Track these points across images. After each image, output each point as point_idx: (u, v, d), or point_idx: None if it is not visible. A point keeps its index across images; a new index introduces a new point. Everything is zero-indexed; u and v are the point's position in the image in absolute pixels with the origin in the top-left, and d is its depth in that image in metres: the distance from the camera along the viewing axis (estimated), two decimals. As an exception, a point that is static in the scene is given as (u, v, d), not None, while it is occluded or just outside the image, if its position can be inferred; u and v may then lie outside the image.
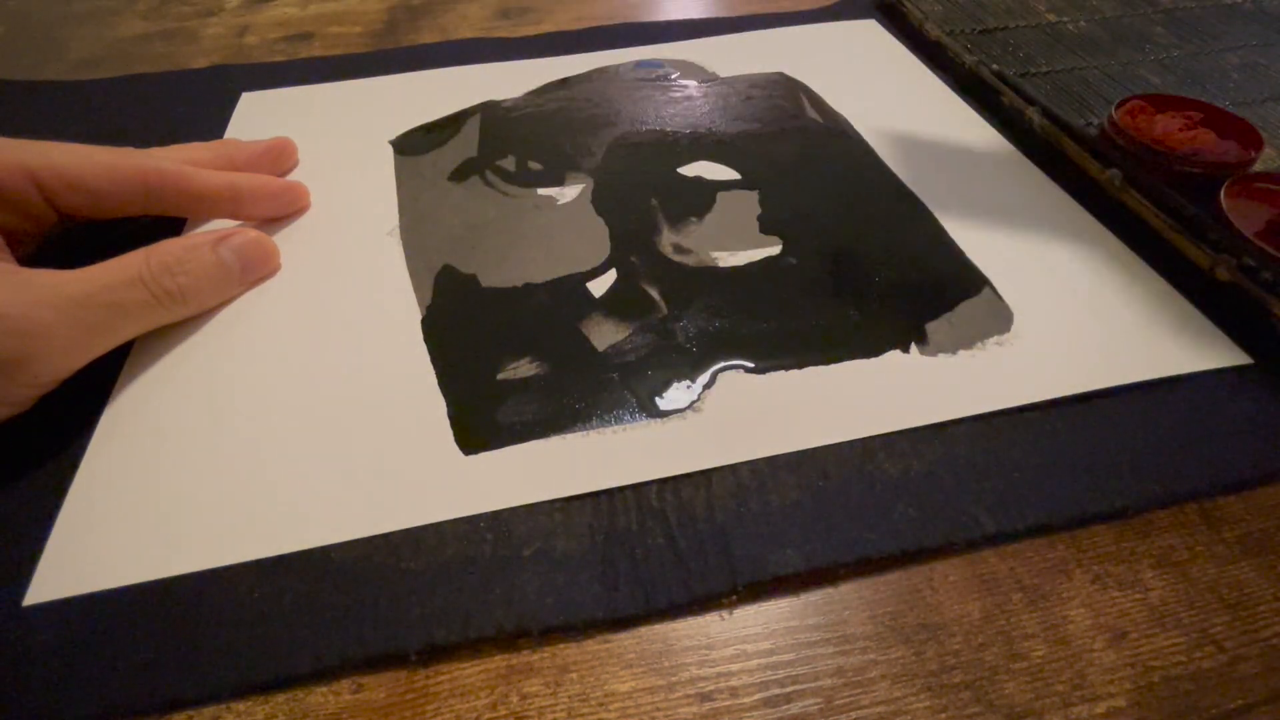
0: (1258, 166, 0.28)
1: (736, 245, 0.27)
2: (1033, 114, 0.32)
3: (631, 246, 0.27)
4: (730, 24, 0.43)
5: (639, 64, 0.39)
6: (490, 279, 0.27)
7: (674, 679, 0.17)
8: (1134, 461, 0.21)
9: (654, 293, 0.26)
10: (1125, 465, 0.21)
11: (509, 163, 0.32)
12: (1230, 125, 0.30)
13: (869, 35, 0.41)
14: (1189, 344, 0.24)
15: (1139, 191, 0.28)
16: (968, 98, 0.36)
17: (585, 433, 0.22)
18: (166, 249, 0.24)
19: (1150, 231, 0.27)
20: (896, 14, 0.43)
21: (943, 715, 0.17)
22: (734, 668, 0.17)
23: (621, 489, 0.20)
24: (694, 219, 0.28)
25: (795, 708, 0.17)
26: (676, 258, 0.27)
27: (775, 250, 0.27)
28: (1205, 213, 0.26)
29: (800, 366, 0.23)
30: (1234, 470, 0.21)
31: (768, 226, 0.28)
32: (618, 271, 0.26)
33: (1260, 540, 0.20)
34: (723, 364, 0.23)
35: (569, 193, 0.30)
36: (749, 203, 0.29)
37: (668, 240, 0.27)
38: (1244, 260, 0.24)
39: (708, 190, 0.30)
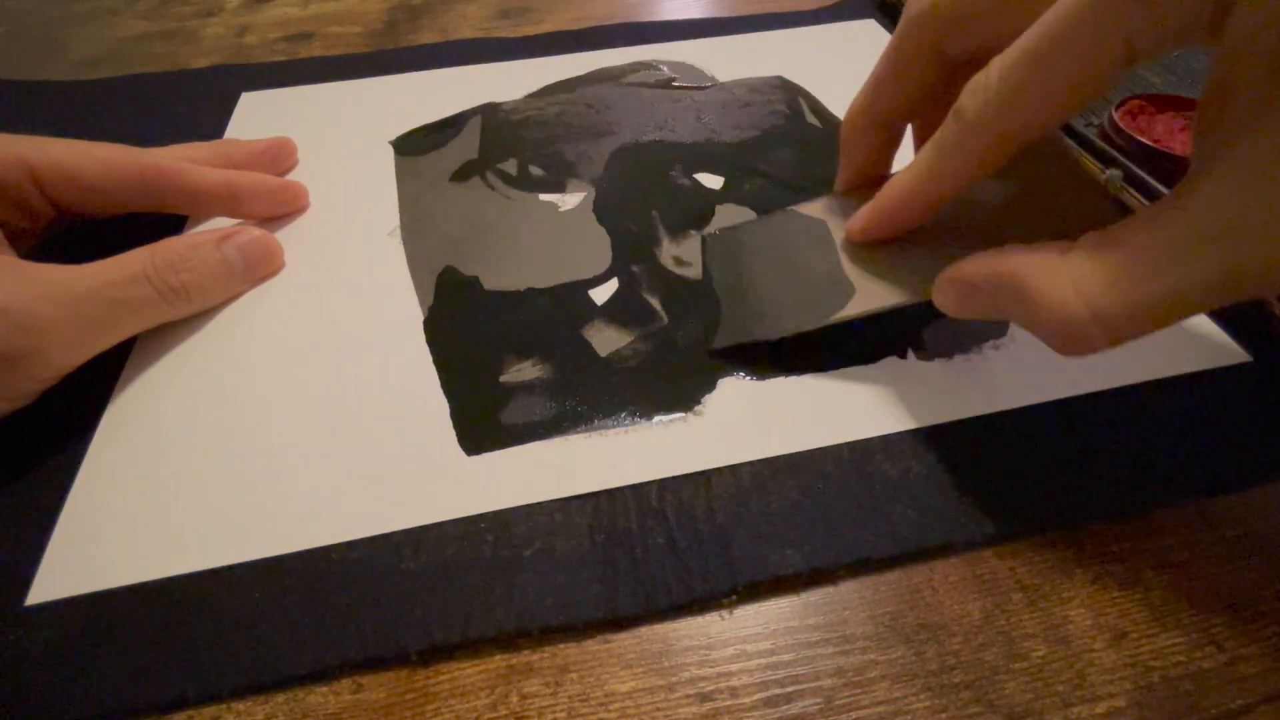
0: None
1: None
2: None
3: (632, 257, 0.27)
4: (730, 24, 0.43)
5: (637, 65, 0.39)
6: (492, 282, 0.27)
7: (674, 679, 0.17)
8: (1134, 461, 0.21)
9: (655, 303, 0.26)
10: (1125, 465, 0.21)
11: (510, 166, 0.32)
12: (1230, 125, 0.29)
13: (869, 35, 0.41)
14: (1189, 344, 0.24)
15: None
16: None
17: (586, 434, 0.22)
18: (170, 246, 0.24)
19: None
20: (897, 14, 0.43)
21: (943, 715, 0.17)
22: (734, 668, 0.17)
23: (621, 489, 0.21)
24: (694, 231, 0.28)
25: (795, 708, 0.17)
26: (677, 270, 0.27)
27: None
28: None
29: (799, 374, 0.23)
30: (1234, 470, 0.21)
31: None
32: (619, 281, 0.26)
33: (1260, 540, 0.20)
34: (723, 373, 0.23)
35: (570, 200, 0.30)
36: (748, 214, 0.29)
37: (668, 252, 0.27)
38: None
39: (707, 202, 0.30)
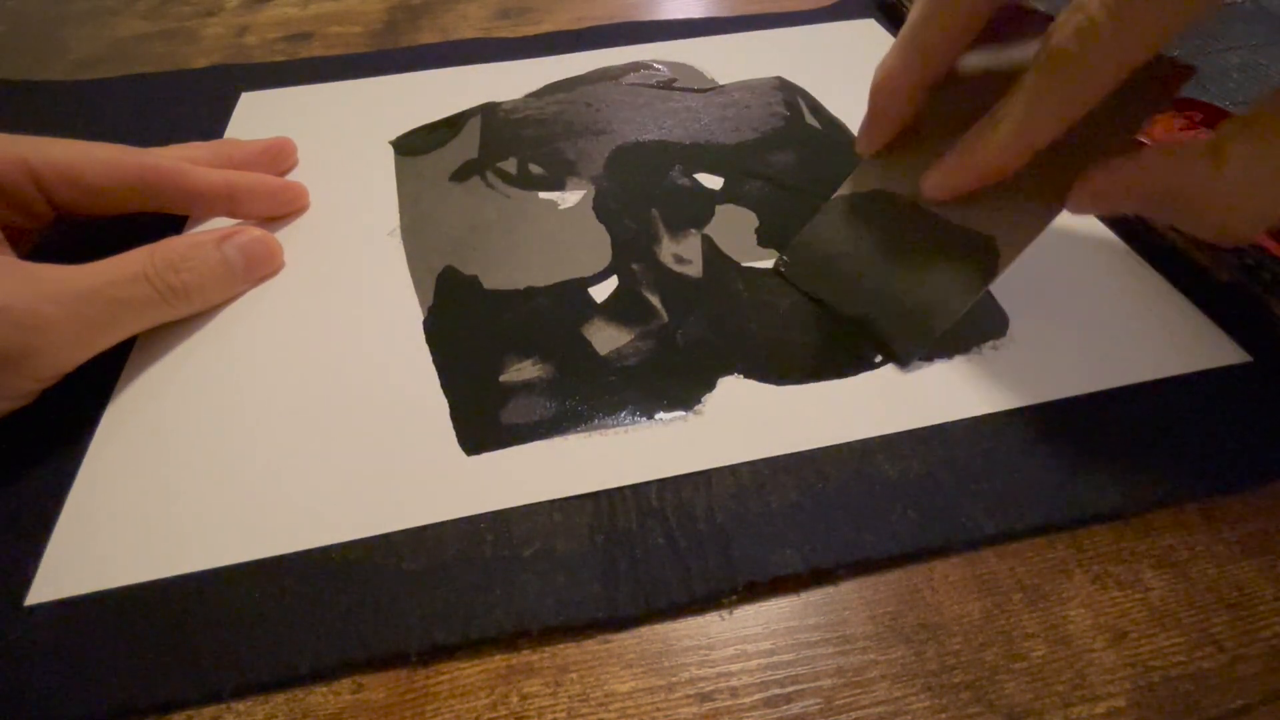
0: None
1: (736, 256, 0.27)
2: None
3: (632, 255, 0.27)
4: (729, 23, 0.43)
5: (636, 65, 0.39)
6: (492, 281, 0.27)
7: (674, 679, 0.17)
8: (1134, 461, 0.21)
9: (655, 301, 0.26)
10: (1125, 465, 0.21)
11: (510, 165, 0.32)
12: (1230, 125, 0.29)
13: (869, 35, 0.41)
14: (1189, 344, 0.24)
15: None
16: (968, 98, 0.36)
17: (586, 434, 0.22)
18: (171, 246, 0.24)
19: (1150, 231, 0.27)
20: (896, 14, 0.43)
21: (943, 715, 0.17)
22: (734, 668, 0.17)
23: (621, 489, 0.21)
24: (693, 230, 0.28)
25: (795, 708, 0.17)
26: (677, 268, 0.27)
27: (773, 262, 0.27)
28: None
29: (799, 380, 0.23)
30: (1234, 470, 0.21)
31: (765, 239, 0.28)
32: (619, 279, 0.26)
33: (1260, 540, 0.20)
34: (722, 373, 0.23)
35: (570, 198, 0.30)
36: (747, 214, 0.29)
37: (668, 250, 0.27)
38: (1244, 260, 0.24)
39: (707, 202, 0.30)
